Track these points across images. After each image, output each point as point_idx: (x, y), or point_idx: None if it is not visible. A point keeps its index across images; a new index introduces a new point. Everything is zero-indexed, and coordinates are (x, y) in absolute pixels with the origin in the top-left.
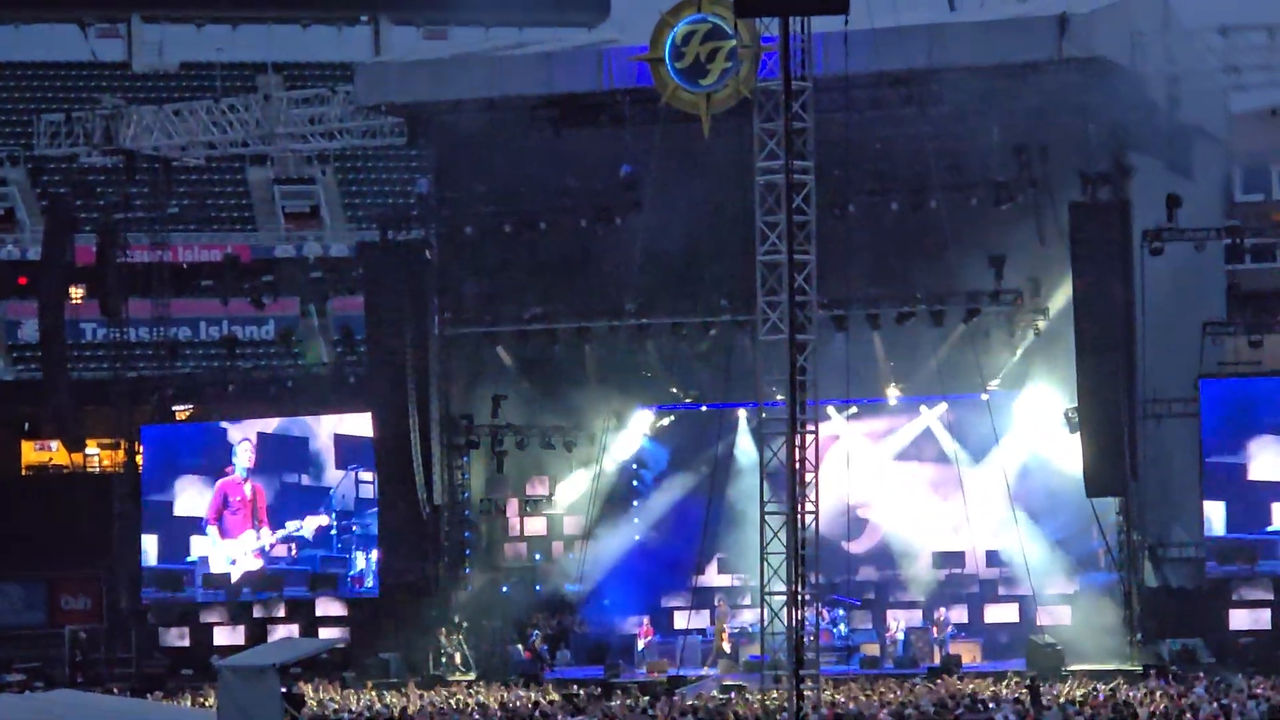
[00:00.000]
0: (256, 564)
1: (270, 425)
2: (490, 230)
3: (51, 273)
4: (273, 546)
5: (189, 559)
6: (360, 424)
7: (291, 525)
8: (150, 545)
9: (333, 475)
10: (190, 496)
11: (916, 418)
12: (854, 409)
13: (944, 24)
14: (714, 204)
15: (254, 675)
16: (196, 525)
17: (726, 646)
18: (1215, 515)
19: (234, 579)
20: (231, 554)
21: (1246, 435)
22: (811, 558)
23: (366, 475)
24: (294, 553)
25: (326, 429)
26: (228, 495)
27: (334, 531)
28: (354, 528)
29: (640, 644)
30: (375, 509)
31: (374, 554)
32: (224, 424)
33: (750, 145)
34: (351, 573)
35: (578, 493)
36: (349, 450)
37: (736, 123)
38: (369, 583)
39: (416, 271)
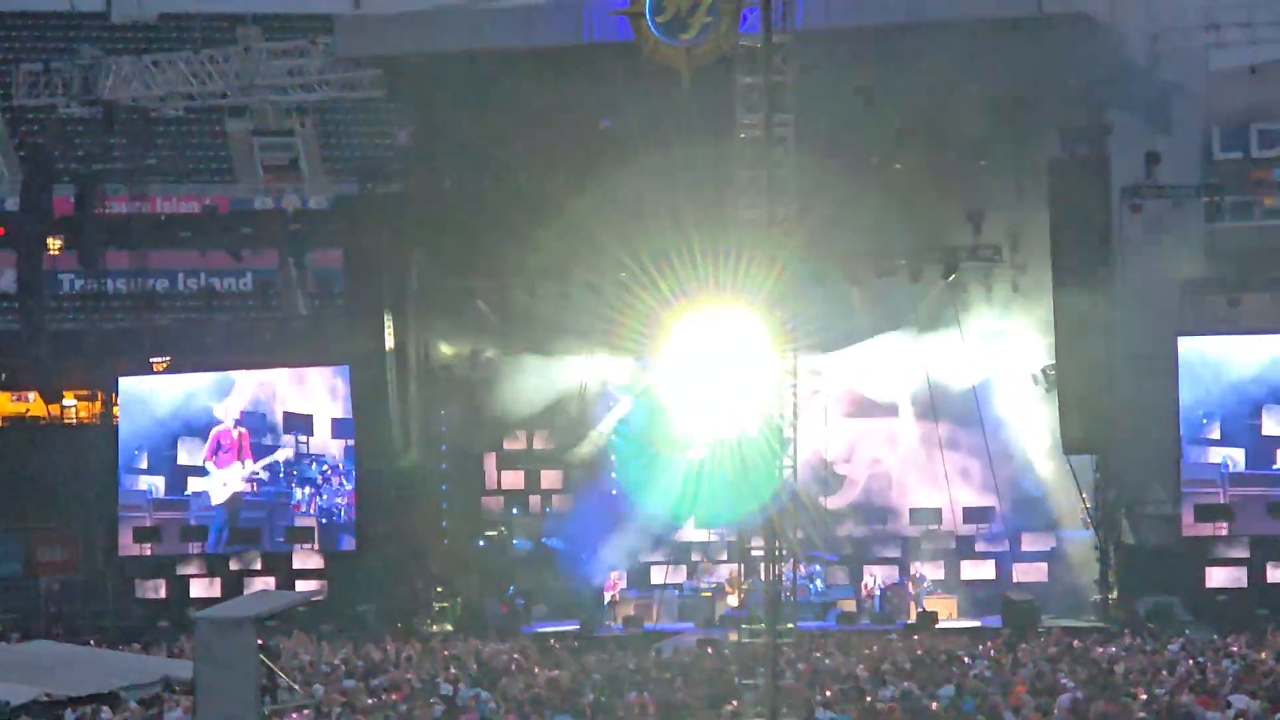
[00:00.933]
0: (245, 487)
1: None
2: (470, 184)
3: (29, 223)
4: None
5: (185, 493)
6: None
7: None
8: (148, 484)
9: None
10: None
11: (894, 373)
12: (832, 363)
13: None
14: (694, 158)
15: (231, 627)
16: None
17: (733, 601)
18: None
19: (224, 500)
20: (224, 479)
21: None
22: (789, 513)
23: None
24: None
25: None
26: (220, 440)
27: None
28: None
29: (607, 596)
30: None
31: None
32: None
33: (731, 100)
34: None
35: (556, 446)
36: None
37: (717, 77)
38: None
39: (395, 225)
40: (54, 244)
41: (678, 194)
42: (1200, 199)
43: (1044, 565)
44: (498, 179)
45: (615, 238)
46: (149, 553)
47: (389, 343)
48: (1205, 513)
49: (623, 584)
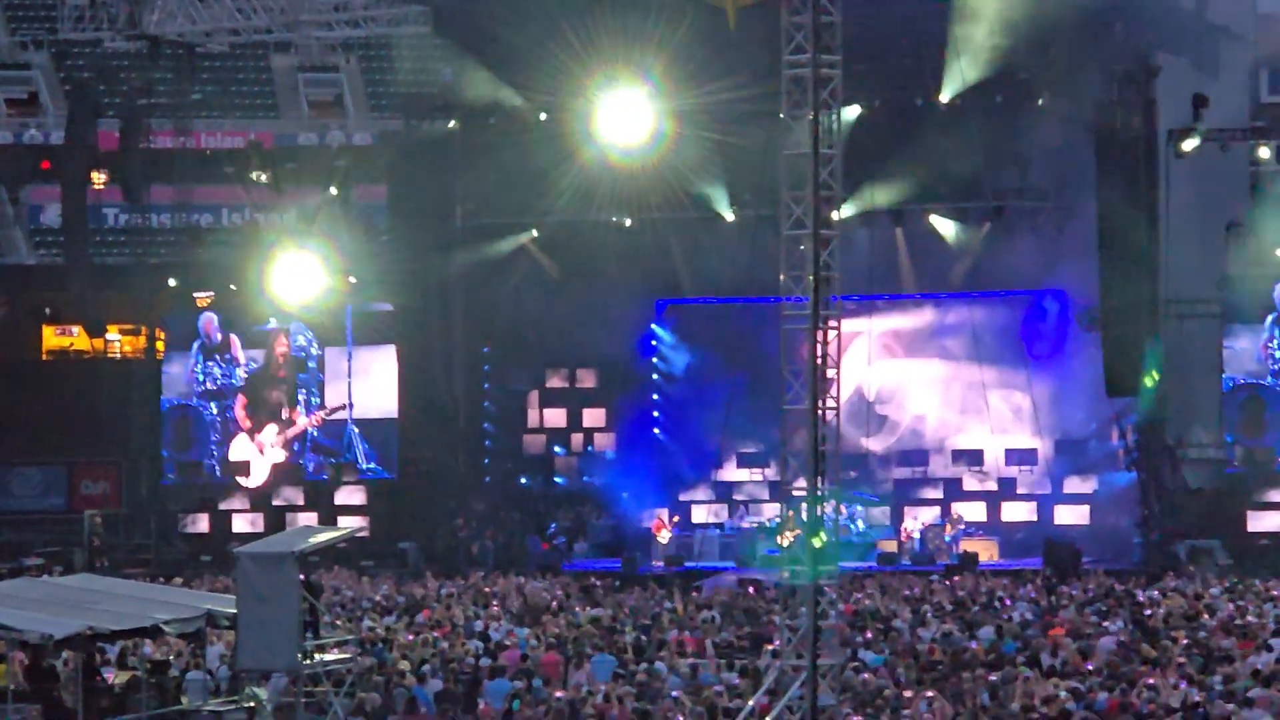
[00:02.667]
0: (282, 455)
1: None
2: (515, 120)
3: (74, 157)
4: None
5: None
6: None
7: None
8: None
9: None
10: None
11: (938, 315)
12: (876, 305)
13: None
14: (740, 97)
15: (273, 562)
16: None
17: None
18: None
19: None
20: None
21: None
22: (831, 454)
23: None
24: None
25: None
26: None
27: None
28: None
29: (664, 537)
30: None
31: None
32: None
33: (777, 39)
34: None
35: (599, 385)
36: None
37: (763, 16)
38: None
39: (440, 161)
40: (98, 178)
41: (725, 132)
42: (1247, 142)
43: (1085, 508)
44: (543, 116)
45: (659, 175)
46: (192, 486)
47: (432, 279)
48: (1247, 456)
49: (664, 523)
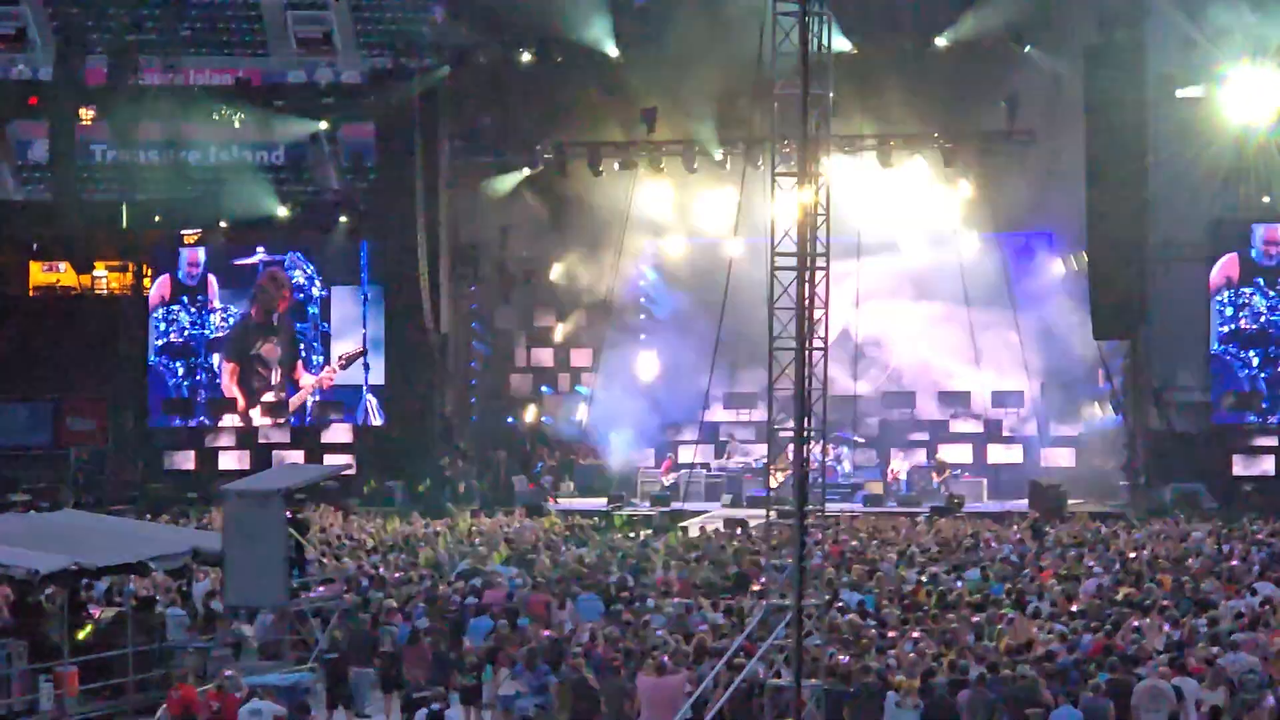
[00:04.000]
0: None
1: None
2: (503, 60)
3: (62, 93)
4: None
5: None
6: None
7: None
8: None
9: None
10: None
11: (926, 256)
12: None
13: None
14: (731, 40)
15: (259, 500)
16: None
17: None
18: None
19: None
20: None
21: None
22: (818, 395)
23: None
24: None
25: None
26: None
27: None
28: None
29: (668, 479)
30: None
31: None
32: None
33: None
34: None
35: (586, 324)
36: None
37: None
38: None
39: (428, 100)
40: (86, 114)
41: (712, 71)
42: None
43: (1072, 450)
44: (532, 55)
45: (649, 111)
46: (179, 424)
47: (420, 218)
48: (1235, 400)
49: (650, 464)
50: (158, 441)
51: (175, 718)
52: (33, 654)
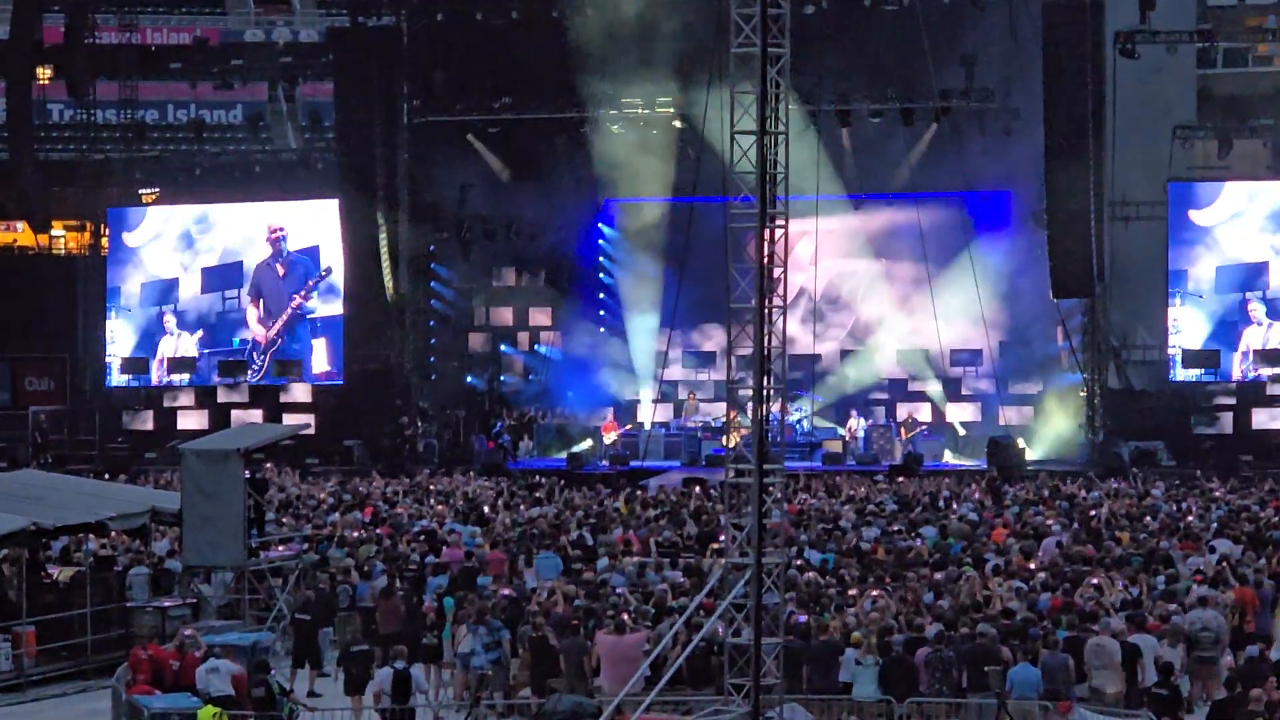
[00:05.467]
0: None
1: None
2: (462, 17)
3: (19, 52)
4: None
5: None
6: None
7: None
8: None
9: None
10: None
11: (885, 215)
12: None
13: None
14: None
15: (218, 460)
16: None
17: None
18: None
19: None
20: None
21: None
22: (777, 354)
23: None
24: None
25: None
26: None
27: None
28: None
29: (611, 438)
30: None
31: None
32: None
33: None
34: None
35: (545, 284)
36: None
37: None
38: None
39: (387, 58)
40: (43, 73)
41: (673, 27)
42: (1194, 45)
43: (1030, 409)
44: (490, 13)
45: (608, 69)
46: (136, 384)
47: (379, 177)
48: (1191, 358)
49: (610, 422)
50: (116, 401)
51: (136, 677)
52: None
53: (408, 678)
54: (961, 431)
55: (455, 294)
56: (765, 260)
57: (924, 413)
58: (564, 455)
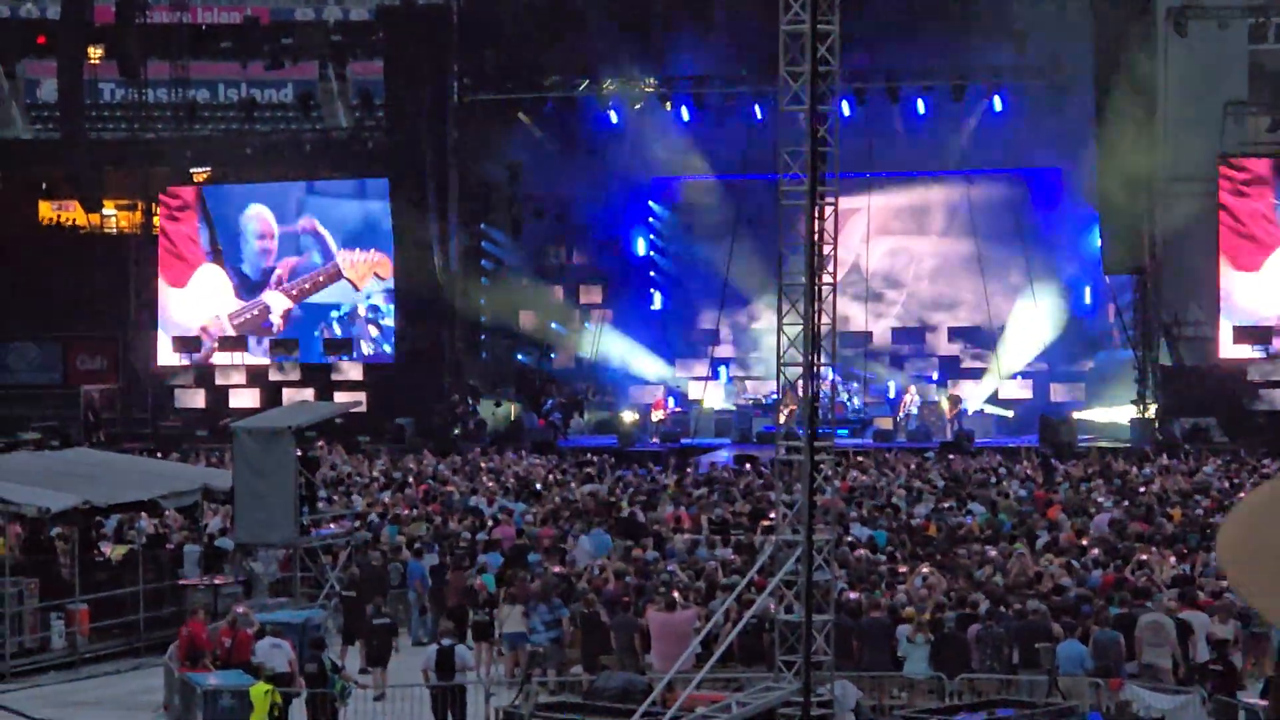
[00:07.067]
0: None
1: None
2: None
3: (71, 32)
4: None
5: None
6: None
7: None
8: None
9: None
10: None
11: (935, 192)
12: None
13: None
14: None
15: (269, 438)
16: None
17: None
18: None
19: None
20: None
21: None
22: (828, 330)
23: None
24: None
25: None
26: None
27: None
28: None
29: (656, 416)
30: None
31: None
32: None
33: None
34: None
35: (596, 262)
36: None
37: None
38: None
39: (437, 37)
40: (95, 53)
41: (721, 9)
42: (1245, 20)
43: (1082, 385)
44: None
45: (655, 48)
46: (188, 363)
47: (429, 155)
48: (1244, 334)
49: (661, 399)
50: (168, 380)
51: (186, 653)
52: (44, 591)
53: (452, 654)
54: (1009, 413)
55: (505, 272)
56: (815, 238)
57: (977, 389)
58: (614, 434)
